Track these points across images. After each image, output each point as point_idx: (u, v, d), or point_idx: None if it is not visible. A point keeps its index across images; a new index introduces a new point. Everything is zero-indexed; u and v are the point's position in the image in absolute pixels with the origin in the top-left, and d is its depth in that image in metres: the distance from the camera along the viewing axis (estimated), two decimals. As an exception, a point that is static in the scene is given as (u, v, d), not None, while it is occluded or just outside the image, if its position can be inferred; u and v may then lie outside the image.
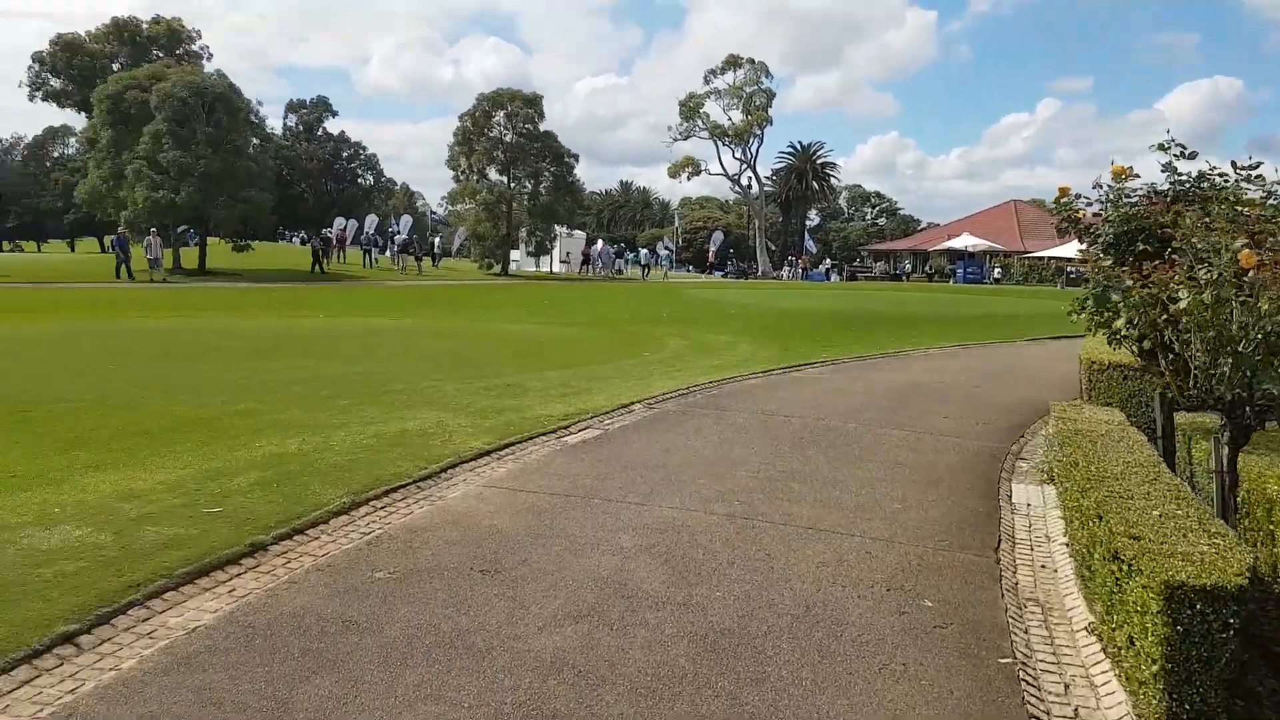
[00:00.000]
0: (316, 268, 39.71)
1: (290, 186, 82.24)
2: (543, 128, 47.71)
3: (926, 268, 65.88)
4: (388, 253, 49.53)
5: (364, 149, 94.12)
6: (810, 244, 78.32)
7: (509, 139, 46.94)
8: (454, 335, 18.38)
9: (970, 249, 61.70)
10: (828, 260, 69.77)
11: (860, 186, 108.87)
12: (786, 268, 63.73)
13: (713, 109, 62.41)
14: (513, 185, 47.81)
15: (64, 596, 4.10)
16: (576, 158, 49.08)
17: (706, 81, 62.27)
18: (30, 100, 55.15)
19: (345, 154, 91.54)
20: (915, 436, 9.36)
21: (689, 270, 62.64)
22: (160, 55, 48.75)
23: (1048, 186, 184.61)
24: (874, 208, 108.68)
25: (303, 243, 67.27)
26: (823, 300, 31.95)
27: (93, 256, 52.43)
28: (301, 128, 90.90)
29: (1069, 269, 54.99)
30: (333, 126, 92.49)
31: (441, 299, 29.40)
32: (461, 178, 47.64)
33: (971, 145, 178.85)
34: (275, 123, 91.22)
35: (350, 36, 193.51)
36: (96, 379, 11.10)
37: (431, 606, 4.55)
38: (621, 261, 56.53)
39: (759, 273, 62.84)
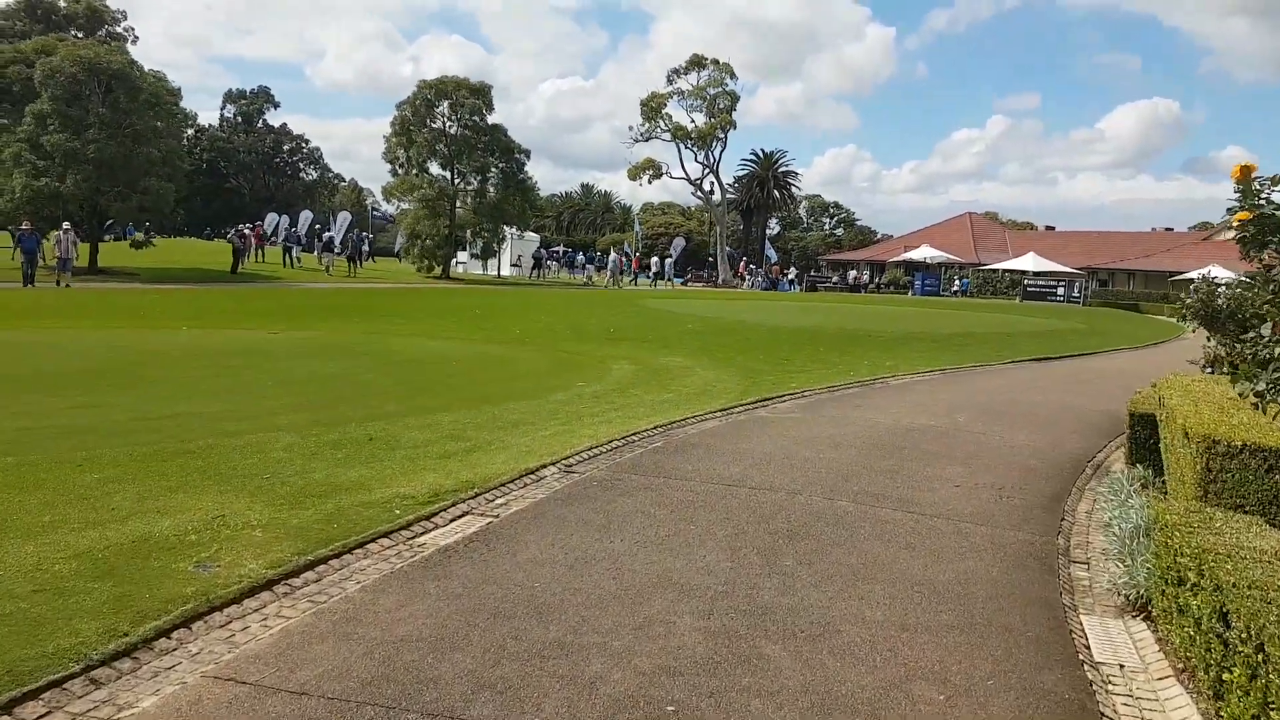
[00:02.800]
0: (237, 267, 36.33)
1: (225, 180, 77.73)
2: (492, 120, 44.46)
3: (881, 279, 64.44)
4: (315, 251, 45.63)
5: (307, 142, 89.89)
6: (771, 252, 76.30)
7: (454, 131, 43.53)
8: (343, 354, 15.13)
9: (930, 261, 60.43)
10: (793, 269, 67.54)
11: (820, 196, 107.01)
12: (747, 276, 61.23)
13: (676, 111, 59.81)
14: (457, 181, 44.34)
15: None
16: (528, 153, 45.64)
17: (670, 81, 59.71)
18: (-82, 82, 50.33)
19: (286, 147, 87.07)
20: (928, 525, 6.58)
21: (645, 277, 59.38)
22: (80, 37, 44.35)
23: (994, 201, 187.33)
24: (832, 218, 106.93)
25: (210, 239, 62.74)
26: (787, 314, 29.31)
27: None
28: (240, 119, 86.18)
29: (1025, 281, 54.27)
30: (281, 120, 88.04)
31: (356, 306, 25.74)
32: (400, 171, 44.10)
33: (923, 159, 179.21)
34: (212, 115, 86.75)
35: (301, 29, 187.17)
36: None
37: None
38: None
39: (719, 280, 60.28)
